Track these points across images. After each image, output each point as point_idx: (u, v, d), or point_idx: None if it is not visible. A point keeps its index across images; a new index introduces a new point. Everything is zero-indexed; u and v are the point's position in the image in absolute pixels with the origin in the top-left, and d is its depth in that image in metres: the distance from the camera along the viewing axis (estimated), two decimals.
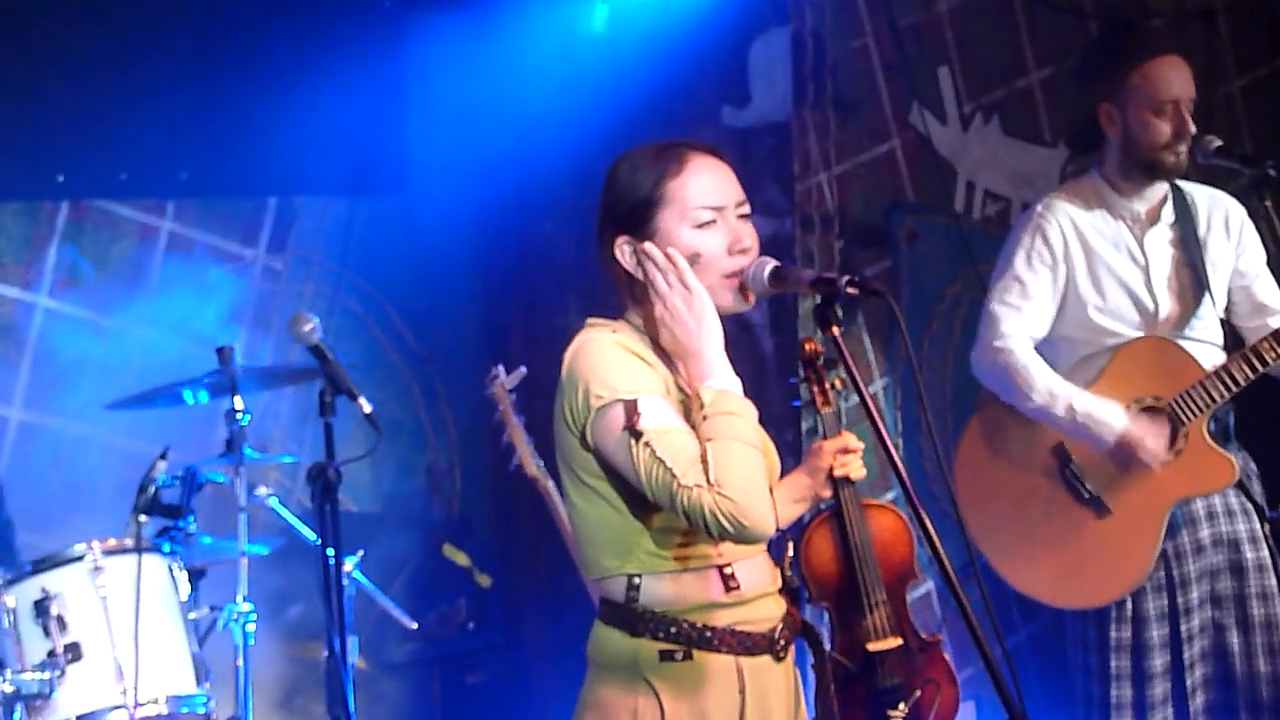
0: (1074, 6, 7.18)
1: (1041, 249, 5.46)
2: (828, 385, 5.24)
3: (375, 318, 7.07)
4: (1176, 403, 5.31)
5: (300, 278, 6.73)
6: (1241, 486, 5.44)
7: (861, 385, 3.62)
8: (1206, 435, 5.30)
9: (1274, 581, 5.44)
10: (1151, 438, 5.30)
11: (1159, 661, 5.40)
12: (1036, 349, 5.49)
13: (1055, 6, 7.13)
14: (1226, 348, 5.46)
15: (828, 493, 4.09)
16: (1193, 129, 5.35)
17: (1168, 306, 5.44)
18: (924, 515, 3.57)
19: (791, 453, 6.30)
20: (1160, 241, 5.46)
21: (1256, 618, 5.43)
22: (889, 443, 3.59)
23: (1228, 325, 5.52)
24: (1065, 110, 7.07)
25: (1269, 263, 5.48)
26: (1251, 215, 5.47)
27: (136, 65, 6.52)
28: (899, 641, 5.38)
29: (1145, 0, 7.39)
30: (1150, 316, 5.43)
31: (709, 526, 3.47)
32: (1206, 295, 5.42)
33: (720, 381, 3.59)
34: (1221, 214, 5.53)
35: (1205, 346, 5.43)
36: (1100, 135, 5.48)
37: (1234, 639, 5.44)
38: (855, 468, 4.04)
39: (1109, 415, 5.30)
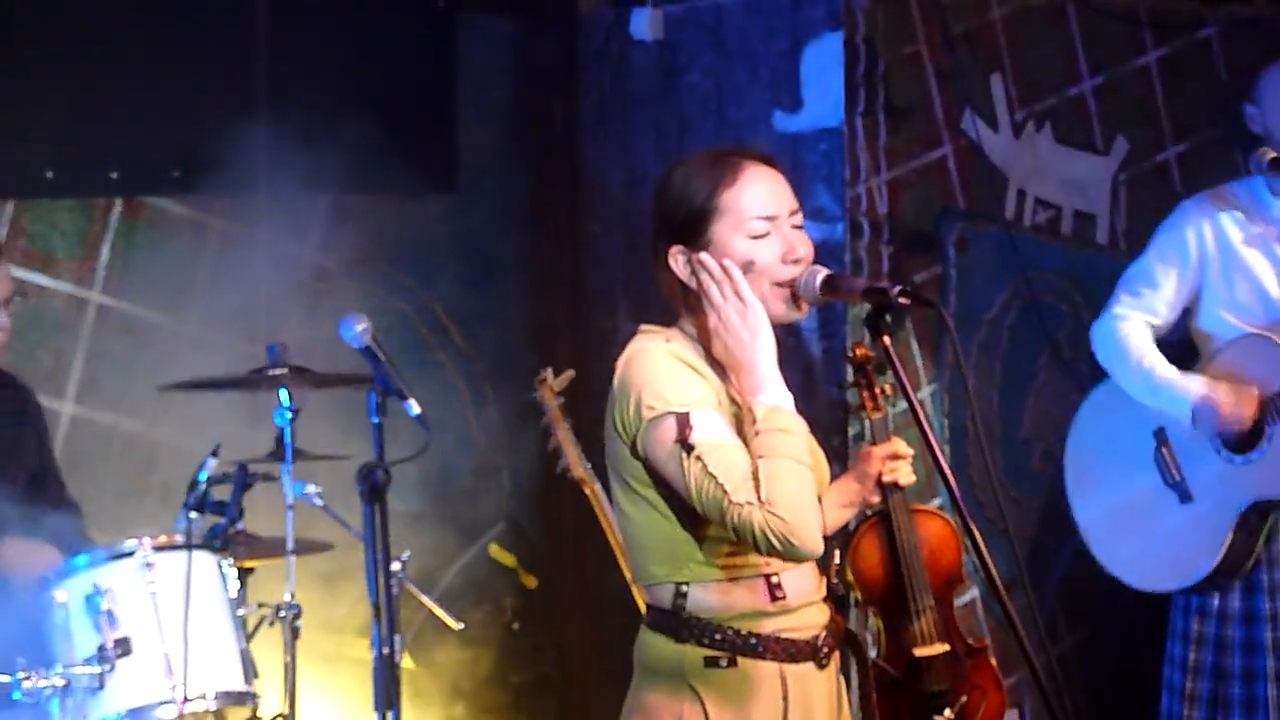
0: (1127, 14, 7.18)
1: (1177, 244, 5.65)
2: (877, 390, 5.27)
3: (424, 318, 7.10)
4: (1270, 400, 5.35)
5: (351, 277, 6.75)
6: None
7: (910, 391, 3.66)
8: None
9: None
10: (1231, 401, 5.35)
11: (1238, 661, 5.44)
12: (1182, 344, 5.67)
13: (1109, 14, 7.13)
14: None
15: (876, 498, 4.13)
16: None
17: None
18: (970, 521, 3.60)
19: (838, 457, 6.31)
20: None
21: None
22: (937, 449, 3.63)
23: None
24: (1117, 117, 7.08)
25: None
26: None
27: (191, 64, 6.56)
28: (946, 647, 5.42)
29: (1198, 9, 7.40)
30: (1278, 317, 5.46)
31: (758, 544, 3.50)
32: None
33: (773, 396, 3.61)
34: None
35: None
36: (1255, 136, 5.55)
37: None
38: (904, 473, 4.08)
39: (1188, 380, 5.39)
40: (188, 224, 6.68)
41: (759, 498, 3.48)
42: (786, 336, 6.38)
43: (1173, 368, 5.54)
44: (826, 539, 3.80)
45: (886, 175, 6.58)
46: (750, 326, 3.64)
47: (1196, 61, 7.25)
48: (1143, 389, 5.53)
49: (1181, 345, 5.82)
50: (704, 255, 3.67)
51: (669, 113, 7.00)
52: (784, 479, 3.51)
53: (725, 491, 3.50)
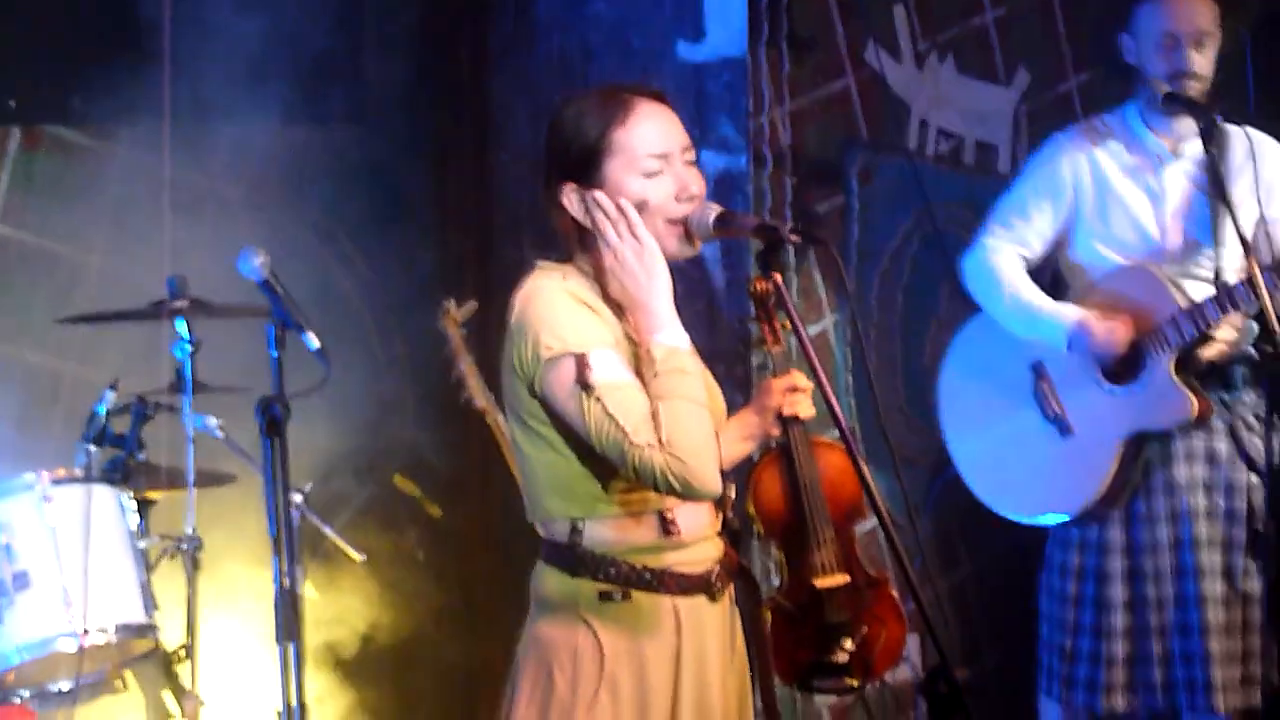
0: None
1: (1050, 175, 5.62)
2: (777, 324, 5.27)
3: (329, 249, 7.07)
4: (1147, 334, 5.36)
5: (254, 207, 6.70)
6: (1234, 435, 5.49)
7: (801, 330, 3.66)
8: (1172, 369, 5.34)
9: (1244, 534, 5.48)
10: (1104, 328, 5.36)
11: (1118, 592, 5.47)
12: (1055, 275, 5.69)
13: None
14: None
15: (776, 430, 4.14)
16: (1194, 66, 5.38)
17: (1175, 241, 5.50)
18: (859, 456, 3.61)
19: (741, 388, 6.33)
20: (1179, 176, 5.51)
21: (1218, 565, 5.48)
22: (825, 383, 3.63)
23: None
24: (1019, 48, 7.09)
25: (1210, 208, 5.49)
26: (1222, 156, 5.48)
27: None
28: (846, 578, 5.44)
29: None
30: (1156, 249, 5.49)
31: (658, 485, 3.52)
32: (1218, 234, 5.44)
33: (670, 337, 3.61)
34: (1258, 157, 5.51)
35: (1207, 286, 5.45)
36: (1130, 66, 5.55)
37: (1199, 585, 5.46)
38: (804, 406, 4.09)
39: (1063, 308, 5.41)
40: (88, 153, 6.61)
41: (659, 439, 3.50)
42: (690, 267, 6.41)
43: (1047, 297, 5.55)
44: (725, 473, 3.82)
45: (790, 106, 6.57)
46: (646, 266, 3.63)
47: None
48: (1017, 320, 5.53)
49: (1052, 278, 5.84)
50: (598, 194, 3.66)
51: (574, 43, 6.97)
52: (683, 420, 3.52)
53: (625, 433, 3.51)
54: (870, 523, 5.95)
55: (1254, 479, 5.47)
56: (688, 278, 6.38)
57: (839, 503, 5.50)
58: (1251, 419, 5.50)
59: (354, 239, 7.10)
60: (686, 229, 3.70)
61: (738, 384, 6.34)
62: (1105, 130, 5.59)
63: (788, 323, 5.26)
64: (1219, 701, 5.42)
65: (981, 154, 7.00)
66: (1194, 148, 5.48)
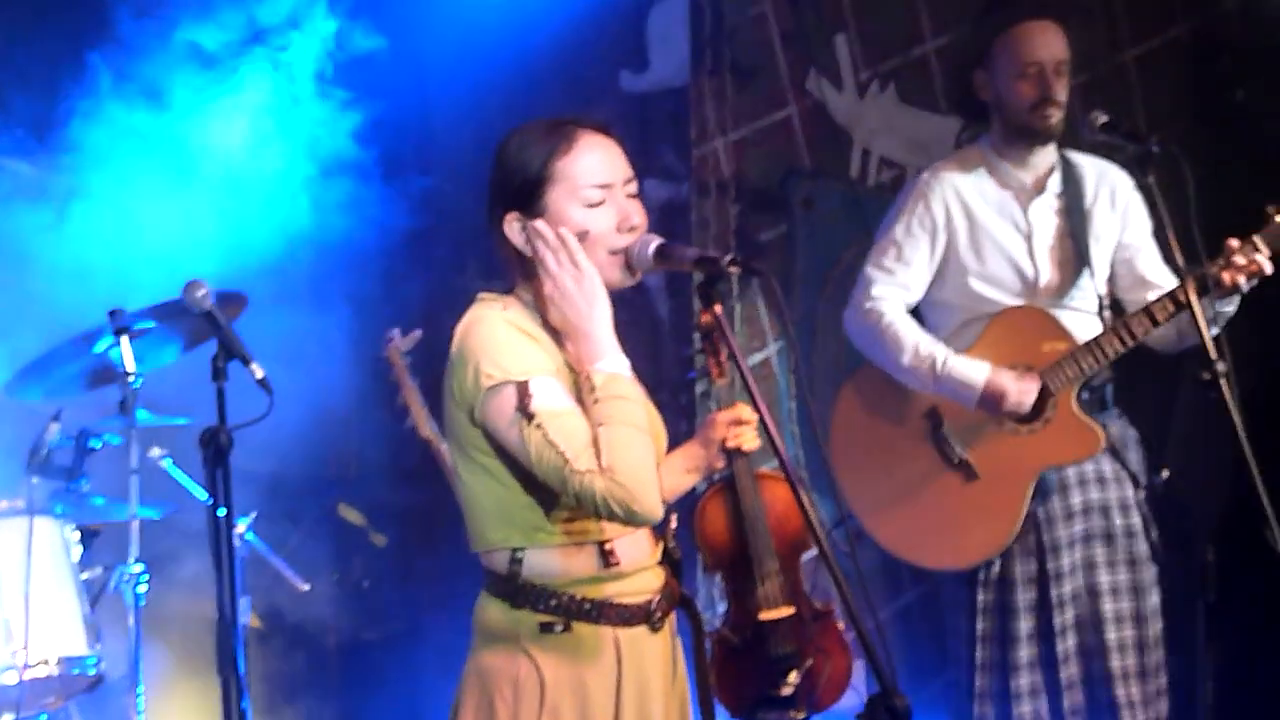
0: None
1: (923, 215, 5.52)
2: (723, 356, 5.27)
3: (275, 278, 7.04)
4: (1047, 372, 5.37)
5: (197, 238, 6.66)
6: (1116, 454, 5.51)
7: (742, 363, 3.65)
8: (1075, 405, 5.36)
9: (1144, 548, 5.50)
10: (1016, 389, 5.36)
11: (1025, 625, 5.46)
12: (921, 314, 5.56)
13: None
14: (1105, 318, 5.51)
15: (721, 463, 4.12)
16: (1058, 93, 5.38)
17: (1048, 275, 5.49)
18: (798, 486, 3.60)
19: (685, 416, 6.35)
20: (1045, 211, 5.50)
21: (1123, 583, 5.50)
22: (767, 418, 3.64)
23: (1111, 295, 5.56)
24: (960, 78, 7.10)
25: (1153, 236, 5.52)
26: (1080, 189, 5.51)
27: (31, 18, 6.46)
28: (791, 611, 5.44)
29: None
30: (1030, 284, 5.48)
31: (599, 510, 3.51)
32: (1086, 266, 5.46)
33: (610, 364, 3.61)
34: (1109, 186, 5.58)
35: (1082, 315, 5.48)
36: (984, 104, 5.52)
37: (1105, 605, 5.50)
38: (748, 439, 4.07)
39: (974, 369, 5.36)
40: (31, 182, 6.57)
41: (599, 465, 3.49)
42: (634, 297, 6.42)
43: (951, 352, 5.44)
44: (669, 504, 3.82)
45: (732, 135, 6.60)
46: (586, 294, 3.63)
47: None
48: (923, 379, 5.43)
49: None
50: (539, 224, 3.66)
51: (519, 73, 6.97)
52: (623, 446, 3.52)
53: (566, 459, 3.50)
54: (814, 552, 5.94)
55: (1139, 493, 5.52)
56: (631, 307, 6.39)
57: (784, 535, 5.50)
58: (1124, 436, 5.53)
59: (300, 267, 7.06)
60: (628, 260, 3.70)
61: (681, 412, 6.35)
62: (971, 166, 5.54)
63: (731, 354, 5.29)
64: (1126, 718, 5.44)
65: None
66: (1053, 181, 5.51)
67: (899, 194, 5.66)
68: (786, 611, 5.43)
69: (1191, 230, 5.06)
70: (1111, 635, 5.49)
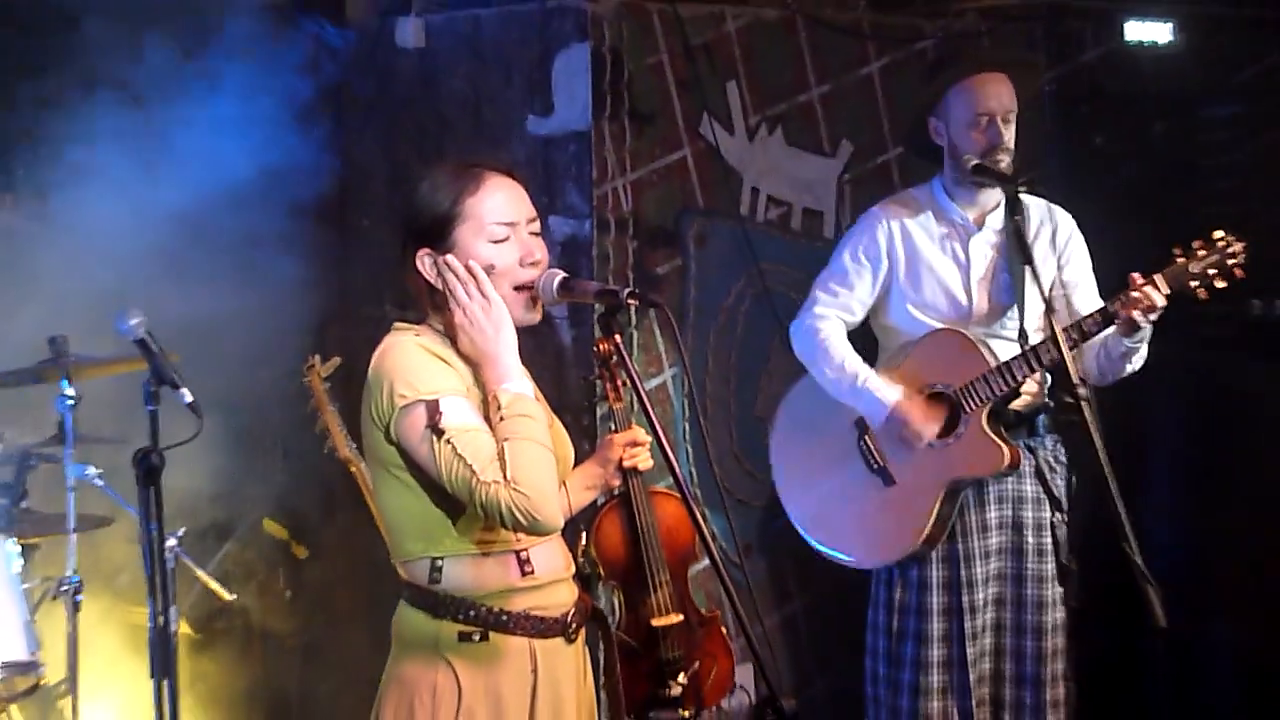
0: (852, 28, 7.33)
1: (868, 245, 5.68)
2: (619, 381, 5.35)
3: (203, 307, 7.05)
4: (960, 391, 5.48)
5: (130, 268, 6.67)
6: (1041, 477, 5.62)
7: (640, 387, 3.76)
8: (985, 423, 5.46)
9: (1051, 567, 5.60)
10: (919, 419, 5.48)
11: (937, 626, 5.56)
12: (877, 335, 5.77)
13: (834, 28, 7.27)
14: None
15: (617, 481, 4.22)
16: (1007, 140, 5.50)
17: (982, 305, 5.60)
18: (692, 503, 3.70)
19: (587, 436, 6.40)
20: (984, 245, 5.62)
21: (1029, 597, 5.61)
22: (661, 435, 3.74)
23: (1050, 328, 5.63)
24: (841, 123, 7.22)
25: (1012, 274, 5.60)
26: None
27: None
28: (680, 617, 5.53)
29: (917, 23, 7.57)
30: (964, 313, 5.59)
31: (504, 520, 3.58)
32: (1023, 300, 5.55)
33: (515, 385, 3.69)
34: (1050, 226, 5.70)
35: (1012, 345, 5.57)
36: (937, 148, 5.63)
37: (1006, 614, 5.62)
38: (642, 459, 4.16)
39: (885, 392, 5.50)
40: None
41: (504, 477, 3.56)
42: (539, 325, 6.45)
43: (872, 371, 5.62)
44: (573, 521, 3.90)
45: (631, 175, 6.66)
46: (494, 321, 3.71)
47: (915, 71, 7.41)
48: (844, 390, 5.60)
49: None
50: (449, 257, 3.74)
51: (430, 116, 7.03)
52: (526, 459, 3.59)
53: (474, 472, 3.57)
54: (703, 563, 6.02)
55: (1057, 516, 5.61)
56: (537, 334, 6.41)
57: (674, 548, 5.58)
58: (1052, 461, 5.64)
59: (225, 298, 7.08)
60: (533, 294, 3.77)
61: (584, 434, 6.41)
62: (916, 203, 5.68)
63: (628, 380, 5.36)
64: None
65: (808, 220, 7.12)
66: (995, 219, 5.62)
67: (851, 227, 5.83)
68: (676, 618, 5.51)
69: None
70: (1008, 641, 5.62)
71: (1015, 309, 5.58)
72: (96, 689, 5.87)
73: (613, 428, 5.19)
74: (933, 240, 5.62)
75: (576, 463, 4.13)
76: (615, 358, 5.30)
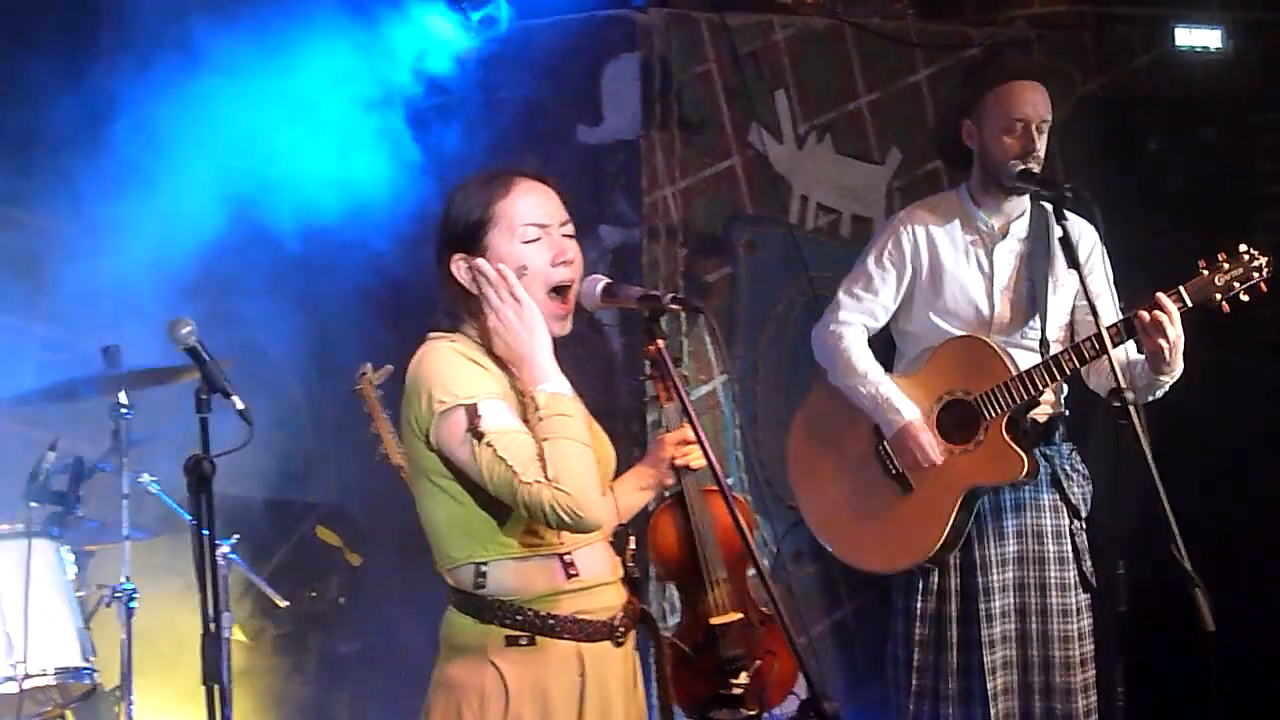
0: (900, 36, 7.29)
1: (893, 251, 5.60)
2: (670, 382, 5.31)
3: (257, 315, 7.07)
4: (981, 399, 5.43)
5: (186, 278, 6.68)
6: (1058, 484, 5.57)
7: (683, 391, 3.72)
8: (1004, 431, 5.41)
9: (1073, 574, 5.56)
10: (926, 442, 5.43)
11: (955, 633, 5.52)
12: (896, 339, 5.71)
13: (882, 35, 7.24)
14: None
15: (671, 480, 4.17)
16: (1039, 148, 5.44)
17: (1004, 314, 5.55)
18: (734, 505, 3.66)
19: (636, 443, 6.38)
20: (1007, 254, 5.56)
21: (1053, 606, 5.56)
22: (702, 437, 3.73)
23: (1070, 338, 5.58)
24: (890, 130, 7.19)
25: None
26: (1046, 236, 5.55)
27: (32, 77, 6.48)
28: (739, 616, 5.48)
29: (965, 30, 7.53)
30: (985, 321, 5.54)
31: (548, 518, 3.56)
32: (1042, 309, 5.52)
33: (552, 385, 3.66)
34: (1074, 238, 5.58)
35: (1032, 354, 5.52)
36: (968, 151, 5.58)
37: (1032, 624, 5.56)
38: (695, 457, 4.10)
39: (902, 407, 5.45)
40: (29, 229, 6.60)
41: (545, 476, 3.54)
42: (590, 331, 6.46)
43: (893, 385, 5.54)
44: (625, 524, 3.87)
45: (680, 184, 6.64)
46: (527, 323, 3.69)
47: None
48: (862, 400, 5.54)
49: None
50: (480, 261, 3.72)
51: (482, 126, 7.01)
52: (567, 458, 3.57)
53: (515, 472, 3.55)
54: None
55: (1076, 524, 5.57)
56: (587, 341, 6.43)
57: (732, 546, 5.53)
58: (1069, 469, 5.59)
59: (281, 308, 7.09)
60: (566, 302, 3.76)
61: (634, 441, 6.38)
62: (942, 209, 5.61)
63: (672, 384, 5.33)
64: None
65: (858, 227, 7.08)
66: (1020, 227, 5.57)
67: (879, 228, 5.76)
68: (735, 616, 5.46)
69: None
70: (1035, 652, 5.56)
71: (1036, 318, 5.54)
72: (150, 695, 5.86)
73: (665, 429, 5.15)
74: (957, 247, 5.56)
75: (627, 468, 4.10)
76: (660, 361, 5.31)
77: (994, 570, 5.51)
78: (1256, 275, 5.29)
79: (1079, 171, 7.37)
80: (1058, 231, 5.44)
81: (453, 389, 3.63)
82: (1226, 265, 5.28)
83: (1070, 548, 5.57)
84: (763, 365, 6.84)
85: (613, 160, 6.63)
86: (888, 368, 5.67)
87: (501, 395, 3.67)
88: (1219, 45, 7.76)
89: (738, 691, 5.46)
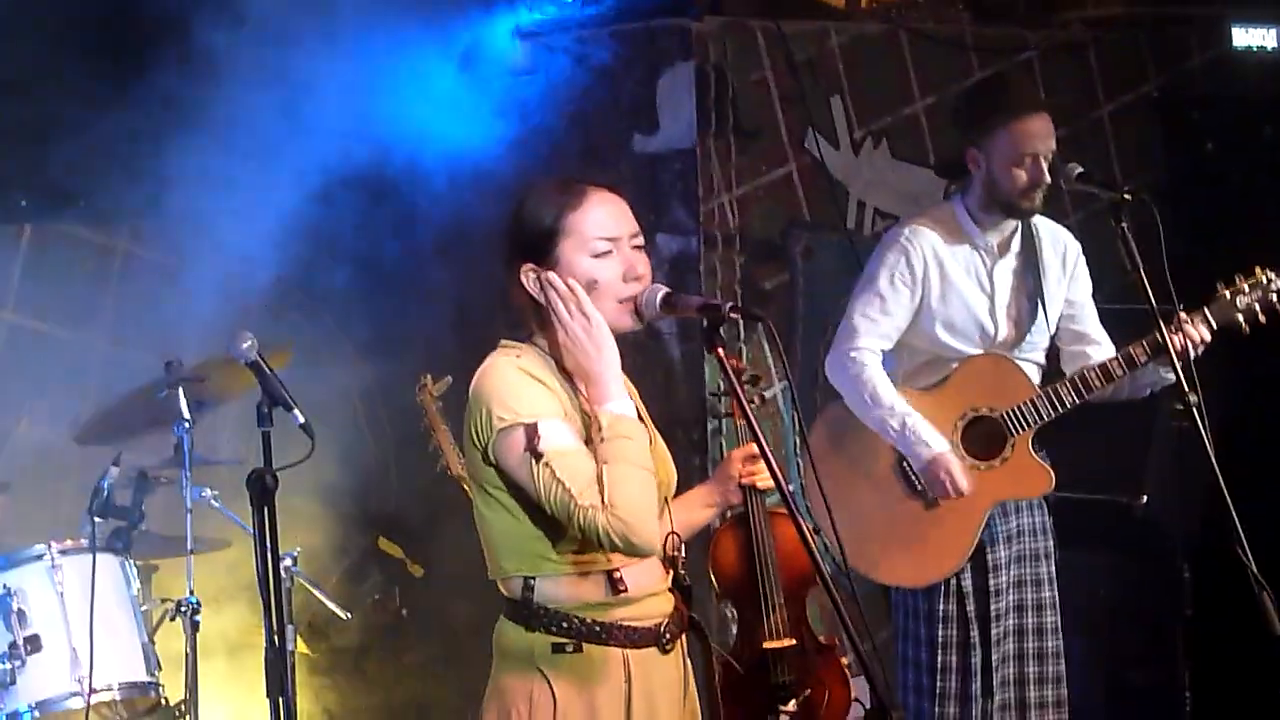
0: (955, 40, 7.24)
1: (904, 270, 5.50)
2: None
3: (318, 329, 7.07)
4: (1007, 415, 5.40)
5: (245, 293, 6.68)
6: (1046, 505, 5.59)
7: (745, 404, 3.65)
8: (1031, 448, 5.39)
9: (1052, 569, 5.59)
10: (957, 472, 5.37)
11: (975, 632, 5.48)
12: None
13: (938, 40, 7.19)
14: (1047, 369, 5.59)
15: (737, 498, 4.11)
16: (1048, 180, 5.40)
17: (1005, 331, 5.53)
18: (799, 518, 3.59)
19: (698, 451, 6.34)
20: (1006, 272, 5.54)
21: (1046, 600, 5.57)
22: (768, 453, 3.64)
23: (1051, 346, 5.62)
24: (947, 135, 7.13)
25: (1126, 280, 5.50)
26: (1109, 236, 5.49)
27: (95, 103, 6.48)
28: (793, 642, 5.41)
29: (1020, 33, 7.47)
30: (989, 338, 5.51)
31: (602, 542, 3.53)
32: (1039, 323, 5.53)
33: (617, 406, 3.61)
34: (1060, 249, 5.63)
35: (1031, 366, 5.54)
36: (965, 168, 5.53)
37: (1028, 619, 5.56)
38: (761, 476, 4.04)
39: (931, 440, 5.37)
40: (93, 247, 6.62)
41: (602, 501, 3.50)
42: (649, 340, 6.43)
43: (918, 416, 5.41)
44: (675, 533, 3.82)
45: (737, 191, 6.61)
46: (595, 340, 3.64)
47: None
48: (889, 431, 5.41)
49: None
50: (551, 275, 3.67)
51: (543, 137, 6.99)
52: (625, 483, 3.53)
53: (572, 495, 3.51)
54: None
55: (1049, 519, 5.61)
56: (646, 351, 6.39)
57: (791, 571, 5.46)
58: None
59: (339, 320, 7.09)
60: (637, 308, 3.70)
61: (694, 448, 6.35)
62: (944, 227, 5.51)
63: (757, 397, 5.29)
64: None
65: None
66: (1015, 244, 5.55)
67: (879, 245, 5.64)
68: (788, 643, 5.40)
69: (1164, 273, 5.07)
70: (1030, 645, 5.55)
71: (1034, 333, 5.54)
72: (215, 709, 5.85)
73: (724, 443, 5.11)
74: (961, 266, 5.51)
75: (686, 478, 4.05)
76: (744, 375, 5.27)
77: (1003, 571, 5.53)
78: (1275, 297, 5.35)
79: (1137, 173, 7.31)
80: (1060, 246, 5.52)
81: (513, 406, 3.59)
82: (1247, 287, 5.35)
83: (1049, 542, 5.59)
84: (822, 372, 6.78)
85: (669, 169, 6.60)
86: None
87: (563, 415, 3.63)
88: (1275, 45, 7.67)
89: (785, 718, 5.40)
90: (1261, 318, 5.33)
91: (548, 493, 3.53)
